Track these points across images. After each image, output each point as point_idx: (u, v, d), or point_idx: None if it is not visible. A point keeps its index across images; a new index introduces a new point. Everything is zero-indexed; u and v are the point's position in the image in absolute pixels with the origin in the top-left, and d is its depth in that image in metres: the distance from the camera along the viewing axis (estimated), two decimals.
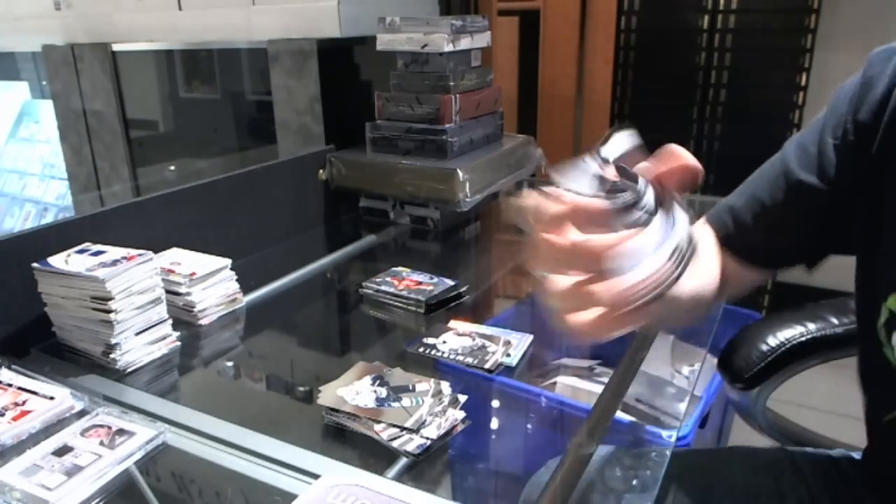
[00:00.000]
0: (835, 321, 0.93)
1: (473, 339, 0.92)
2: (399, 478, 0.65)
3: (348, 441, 0.71)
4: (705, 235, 0.68)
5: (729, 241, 0.67)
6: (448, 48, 1.32)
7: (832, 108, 0.62)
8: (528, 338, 0.92)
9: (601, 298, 0.41)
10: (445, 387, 0.76)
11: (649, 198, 0.42)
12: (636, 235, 0.41)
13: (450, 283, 1.09)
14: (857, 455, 0.77)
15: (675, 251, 0.41)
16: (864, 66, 0.60)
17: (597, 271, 0.41)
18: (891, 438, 0.64)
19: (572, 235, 0.42)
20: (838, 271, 0.78)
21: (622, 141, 0.45)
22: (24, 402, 0.73)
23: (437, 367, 0.86)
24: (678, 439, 0.77)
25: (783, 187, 0.64)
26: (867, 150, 0.59)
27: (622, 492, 0.71)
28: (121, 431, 0.69)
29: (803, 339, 0.93)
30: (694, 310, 0.56)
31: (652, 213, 0.42)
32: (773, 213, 0.65)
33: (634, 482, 0.72)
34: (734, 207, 0.68)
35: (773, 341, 0.93)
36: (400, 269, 1.14)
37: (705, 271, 0.61)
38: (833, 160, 0.60)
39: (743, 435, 1.09)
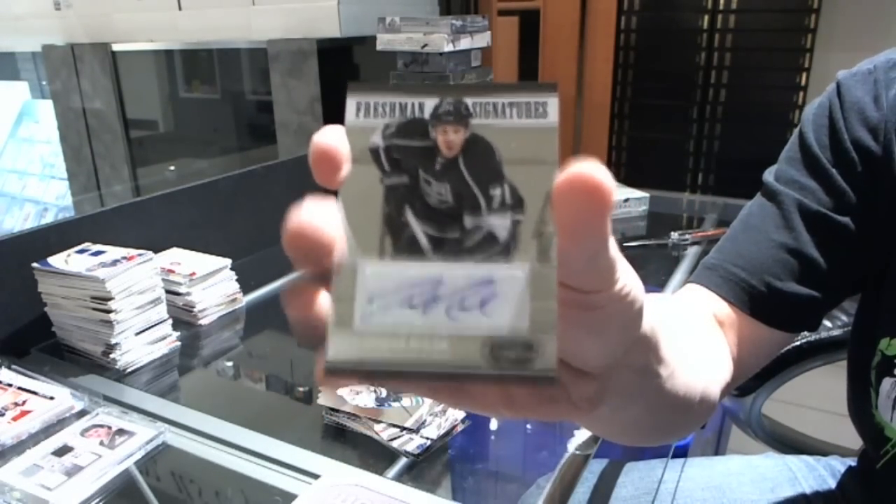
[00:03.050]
0: (828, 324, 0.93)
1: None
2: (399, 478, 0.65)
3: (348, 441, 0.71)
4: (696, 312, 0.54)
5: (755, 307, 0.55)
6: (448, 48, 1.32)
7: (811, 136, 0.57)
8: None
9: None
10: None
11: None
12: None
13: None
14: (853, 462, 0.76)
15: None
16: (835, 88, 0.56)
17: None
18: (884, 482, 0.60)
19: None
20: None
21: None
22: (24, 402, 0.73)
23: None
24: (675, 446, 0.77)
25: (801, 227, 0.55)
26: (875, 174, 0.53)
27: (623, 498, 0.71)
28: (121, 431, 0.69)
29: (797, 343, 0.92)
30: (705, 412, 0.46)
31: None
32: (802, 259, 0.55)
33: (634, 487, 0.72)
34: (742, 267, 0.56)
35: None
36: None
37: (713, 362, 0.50)
38: (841, 186, 0.54)
39: (742, 436, 1.09)
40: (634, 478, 0.75)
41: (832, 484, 0.75)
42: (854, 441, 0.82)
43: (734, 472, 0.78)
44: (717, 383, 0.48)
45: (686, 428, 0.47)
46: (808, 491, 0.74)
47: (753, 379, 0.90)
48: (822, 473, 0.76)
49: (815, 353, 0.93)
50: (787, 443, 1.04)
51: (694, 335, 0.50)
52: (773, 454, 0.82)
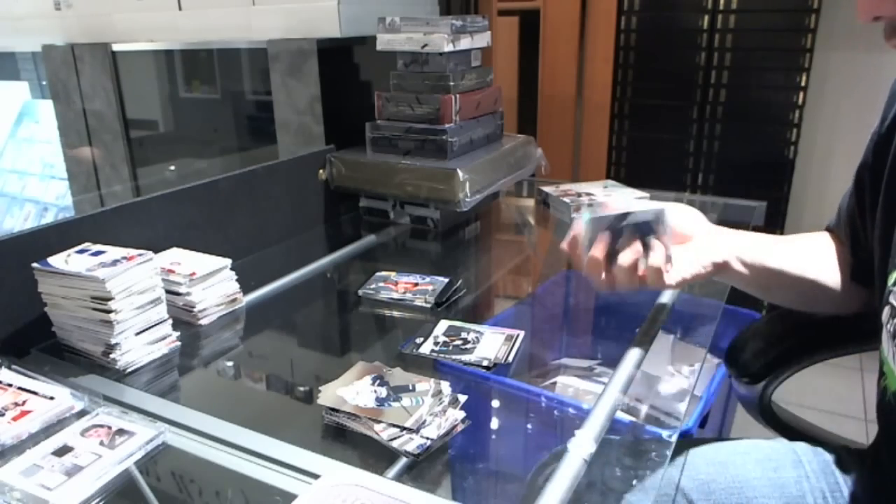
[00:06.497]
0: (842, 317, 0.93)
1: (468, 336, 0.92)
2: (399, 478, 0.65)
3: (348, 441, 0.71)
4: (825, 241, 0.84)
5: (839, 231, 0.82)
6: (448, 48, 1.32)
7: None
8: (521, 334, 0.92)
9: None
10: (445, 387, 0.76)
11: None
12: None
13: (443, 280, 1.10)
14: (860, 448, 0.77)
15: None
16: None
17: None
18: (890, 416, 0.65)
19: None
20: None
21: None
22: (24, 402, 0.73)
23: (437, 367, 0.86)
24: (678, 439, 0.77)
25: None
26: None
27: (622, 492, 0.71)
28: (121, 431, 0.69)
29: (810, 333, 0.93)
30: (799, 292, 0.80)
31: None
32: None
33: (634, 482, 0.72)
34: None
35: (780, 335, 0.93)
36: (385, 273, 1.14)
37: (805, 263, 0.80)
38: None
39: (744, 434, 1.09)
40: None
41: (836, 469, 0.76)
42: (859, 437, 0.82)
43: (740, 452, 0.80)
44: (826, 275, 0.79)
45: (823, 305, 0.82)
46: (810, 473, 0.75)
47: (765, 365, 0.92)
48: (827, 459, 0.77)
49: (826, 343, 0.93)
50: (797, 432, 1.04)
51: (797, 251, 0.81)
52: (782, 440, 0.83)
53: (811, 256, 0.81)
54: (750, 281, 0.78)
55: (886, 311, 0.64)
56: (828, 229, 0.86)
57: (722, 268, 0.75)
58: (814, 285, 0.79)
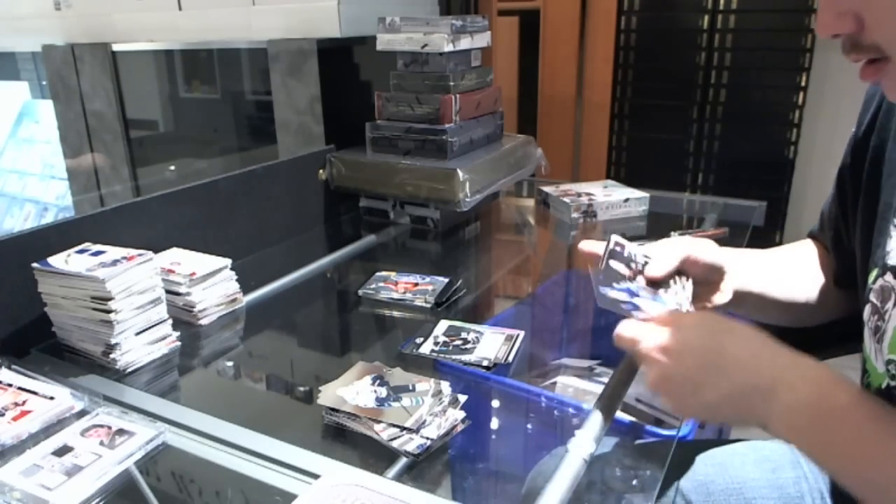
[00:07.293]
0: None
1: (468, 336, 0.92)
2: (399, 478, 0.65)
3: (348, 441, 0.71)
4: (807, 252, 0.85)
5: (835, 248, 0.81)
6: (448, 48, 1.32)
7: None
8: (521, 334, 0.92)
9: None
10: (445, 387, 0.76)
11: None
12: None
13: (443, 280, 1.10)
14: None
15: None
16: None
17: None
18: None
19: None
20: None
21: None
22: (24, 402, 0.74)
23: (437, 367, 0.86)
24: (678, 439, 0.77)
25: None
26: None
27: (622, 492, 0.71)
28: (121, 431, 0.69)
29: (807, 333, 0.93)
30: (791, 312, 0.81)
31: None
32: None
33: (634, 482, 0.72)
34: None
35: (776, 335, 0.93)
36: (385, 273, 1.14)
37: (797, 282, 0.81)
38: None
39: (743, 435, 1.09)
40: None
41: None
42: None
43: (739, 453, 0.80)
44: (815, 291, 0.81)
45: (813, 318, 0.83)
46: (809, 474, 0.76)
47: None
48: None
49: (821, 343, 0.93)
50: None
51: (788, 271, 0.82)
52: (780, 441, 0.83)
53: (800, 275, 0.82)
54: (749, 308, 0.80)
55: (868, 308, 0.65)
56: (811, 236, 0.87)
57: (739, 298, 0.76)
58: (804, 306, 0.81)
